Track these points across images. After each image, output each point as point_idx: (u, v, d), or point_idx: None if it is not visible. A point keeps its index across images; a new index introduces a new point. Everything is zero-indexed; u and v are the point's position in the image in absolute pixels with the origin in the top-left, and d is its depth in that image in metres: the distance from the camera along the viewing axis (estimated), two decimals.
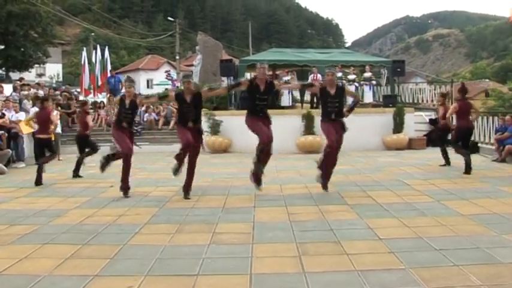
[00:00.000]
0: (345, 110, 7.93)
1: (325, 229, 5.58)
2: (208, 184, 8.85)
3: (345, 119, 7.84)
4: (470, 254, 4.55)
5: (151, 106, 18.40)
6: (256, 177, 7.55)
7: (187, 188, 7.59)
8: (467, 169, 9.36)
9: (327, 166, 7.78)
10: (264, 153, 7.41)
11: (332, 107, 7.62)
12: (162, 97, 10.49)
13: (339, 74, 18.75)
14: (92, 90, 21.86)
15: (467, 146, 10.16)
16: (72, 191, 8.43)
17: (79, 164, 10.24)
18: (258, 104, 7.46)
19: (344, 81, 18.31)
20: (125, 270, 4.23)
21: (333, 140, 7.49)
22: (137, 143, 10.31)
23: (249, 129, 7.59)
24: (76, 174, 10.18)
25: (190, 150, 7.42)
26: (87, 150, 10.54)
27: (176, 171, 7.74)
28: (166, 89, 24.77)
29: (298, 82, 8.69)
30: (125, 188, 7.84)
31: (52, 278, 4.18)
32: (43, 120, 9.65)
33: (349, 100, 10.78)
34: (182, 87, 7.65)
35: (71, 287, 3.93)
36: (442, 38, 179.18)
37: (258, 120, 7.47)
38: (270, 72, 19.14)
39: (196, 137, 7.47)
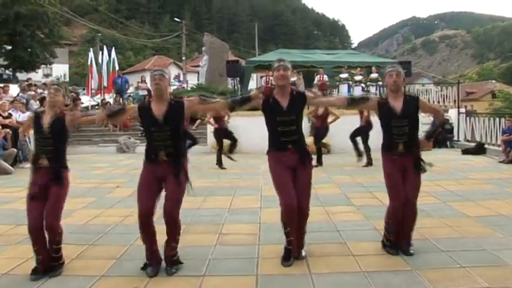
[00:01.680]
0: (421, 136, 5.03)
1: (331, 230, 5.58)
2: (214, 185, 8.86)
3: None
4: (476, 255, 4.53)
5: None
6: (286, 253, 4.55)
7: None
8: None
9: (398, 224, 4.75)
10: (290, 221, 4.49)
11: (398, 133, 4.64)
12: (115, 113, 4.73)
13: (345, 75, 18.75)
14: (100, 90, 21.94)
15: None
16: (78, 191, 8.45)
17: None
18: (282, 131, 4.51)
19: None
20: (131, 270, 4.25)
21: (398, 197, 4.66)
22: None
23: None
24: None
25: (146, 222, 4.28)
26: None
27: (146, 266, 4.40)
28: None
29: (342, 96, 4.81)
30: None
31: (59, 278, 4.21)
32: None
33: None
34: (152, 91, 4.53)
35: (78, 287, 3.95)
36: (449, 39, 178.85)
37: (284, 162, 4.53)
38: (294, 78, 18.94)
39: (170, 181, 4.30)
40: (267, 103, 4.55)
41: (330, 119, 11.43)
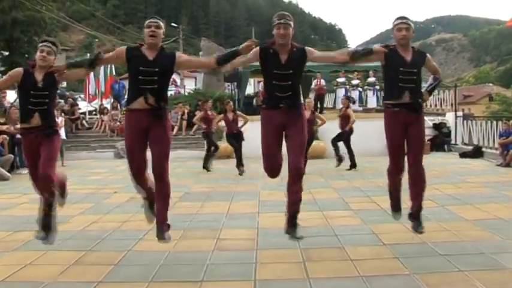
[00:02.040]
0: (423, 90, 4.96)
1: (329, 235, 5.57)
2: (211, 190, 8.84)
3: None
4: (475, 259, 4.52)
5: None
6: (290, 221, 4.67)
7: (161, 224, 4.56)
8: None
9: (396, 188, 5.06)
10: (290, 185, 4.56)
11: (405, 82, 4.62)
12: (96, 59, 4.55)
13: (342, 80, 18.79)
14: (97, 96, 21.92)
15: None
16: (76, 197, 8.41)
17: None
18: (276, 84, 4.47)
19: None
20: (130, 276, 4.22)
21: (397, 165, 4.79)
22: None
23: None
24: None
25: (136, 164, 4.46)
26: None
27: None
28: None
29: (345, 50, 4.24)
30: None
31: (57, 284, 4.18)
32: None
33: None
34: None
35: None
36: (445, 43, 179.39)
37: (274, 120, 4.54)
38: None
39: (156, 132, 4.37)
40: (266, 53, 4.52)
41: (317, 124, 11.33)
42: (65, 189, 5.11)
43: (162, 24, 4.41)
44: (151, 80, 4.27)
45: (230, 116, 11.40)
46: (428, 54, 4.91)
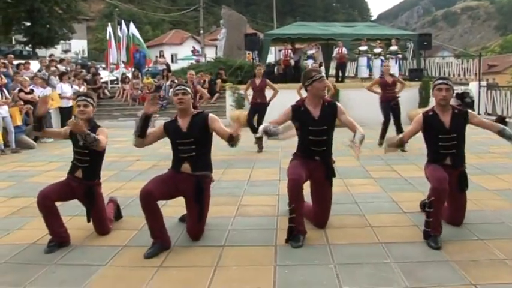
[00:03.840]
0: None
1: (349, 202, 5.63)
2: (233, 157, 8.92)
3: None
4: (495, 228, 4.55)
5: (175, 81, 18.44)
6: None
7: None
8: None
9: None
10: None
11: (446, 148, 4.55)
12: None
13: (364, 48, 18.56)
14: (118, 64, 22.03)
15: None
16: None
17: None
18: (312, 139, 4.53)
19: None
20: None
21: (440, 177, 4.26)
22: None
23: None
24: None
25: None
26: None
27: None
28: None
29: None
30: None
31: (83, 248, 4.33)
32: None
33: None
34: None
35: (101, 257, 4.07)
36: (471, 11, 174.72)
37: (307, 163, 4.52)
38: (312, 50, 18.77)
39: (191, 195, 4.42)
40: (298, 111, 4.60)
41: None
42: (118, 210, 5.23)
43: (188, 89, 4.44)
44: (190, 149, 4.39)
45: (257, 81, 10.18)
46: (470, 111, 4.71)
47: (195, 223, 4.41)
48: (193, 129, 4.39)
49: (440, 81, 4.59)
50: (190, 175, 4.37)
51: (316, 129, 4.51)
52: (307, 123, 4.53)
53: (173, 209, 5.14)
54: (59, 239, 4.33)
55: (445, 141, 4.50)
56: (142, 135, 4.53)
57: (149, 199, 4.16)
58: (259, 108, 10.16)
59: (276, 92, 10.15)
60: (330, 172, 4.63)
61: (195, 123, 4.41)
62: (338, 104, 4.74)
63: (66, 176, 4.68)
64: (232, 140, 4.31)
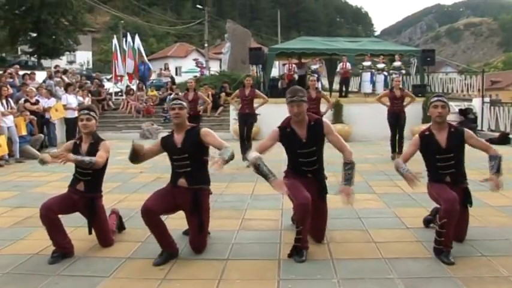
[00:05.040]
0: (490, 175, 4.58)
1: (352, 217, 5.62)
2: (236, 171, 8.93)
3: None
4: (498, 245, 4.54)
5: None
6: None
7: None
8: None
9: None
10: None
11: (444, 168, 4.52)
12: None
13: (368, 63, 18.64)
14: (123, 76, 22.10)
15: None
16: None
17: None
18: (302, 161, 4.53)
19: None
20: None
21: (449, 197, 4.19)
22: None
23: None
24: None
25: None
26: None
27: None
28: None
29: None
30: None
31: (87, 259, 4.34)
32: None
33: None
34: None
35: (105, 268, 4.08)
36: (474, 27, 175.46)
37: (301, 180, 4.48)
38: (316, 65, 18.74)
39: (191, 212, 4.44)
40: (285, 133, 4.55)
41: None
42: (120, 222, 5.24)
43: (185, 104, 4.49)
44: (185, 165, 4.41)
45: (246, 91, 10.09)
46: (466, 130, 4.61)
47: (196, 235, 4.42)
48: (187, 144, 4.39)
49: (435, 98, 4.59)
50: (186, 189, 4.40)
51: (305, 151, 4.47)
52: (295, 145, 4.51)
53: (177, 221, 5.13)
54: (62, 250, 4.34)
55: (442, 162, 4.48)
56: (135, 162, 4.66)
57: (149, 215, 4.23)
58: (247, 118, 10.13)
59: (265, 101, 10.33)
60: (323, 188, 4.62)
61: (188, 139, 4.42)
62: (325, 121, 4.65)
63: (68, 189, 4.69)
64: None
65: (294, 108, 4.42)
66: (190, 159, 4.37)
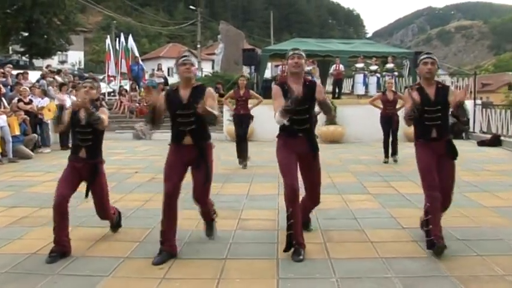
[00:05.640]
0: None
1: (349, 217, 5.67)
2: (230, 172, 8.96)
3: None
4: (493, 244, 4.60)
5: None
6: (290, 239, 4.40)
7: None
8: None
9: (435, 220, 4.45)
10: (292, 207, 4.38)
11: (431, 120, 4.65)
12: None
13: (361, 65, 18.72)
14: (115, 77, 22.05)
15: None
16: None
17: None
18: (295, 119, 4.47)
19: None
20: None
21: (431, 184, 4.52)
22: None
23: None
24: None
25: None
26: None
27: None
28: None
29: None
30: None
31: (85, 258, 4.35)
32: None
33: None
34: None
35: (104, 267, 4.08)
36: (465, 30, 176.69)
37: (292, 147, 4.54)
38: (309, 67, 18.71)
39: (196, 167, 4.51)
40: (283, 89, 4.57)
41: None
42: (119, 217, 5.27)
43: (195, 61, 4.58)
44: (190, 122, 4.38)
45: (241, 92, 9.95)
46: (451, 87, 4.95)
47: (201, 186, 4.52)
48: (193, 101, 4.34)
49: (425, 55, 4.82)
50: (193, 146, 4.42)
51: (299, 108, 4.40)
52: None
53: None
54: (61, 249, 4.34)
55: (430, 113, 4.64)
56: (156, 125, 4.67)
57: (174, 200, 4.39)
58: (242, 119, 10.09)
59: (259, 101, 10.22)
60: (314, 146, 4.62)
61: (194, 95, 4.39)
62: (318, 83, 4.76)
63: (69, 161, 4.73)
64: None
65: (295, 59, 4.52)
66: (195, 116, 4.32)
